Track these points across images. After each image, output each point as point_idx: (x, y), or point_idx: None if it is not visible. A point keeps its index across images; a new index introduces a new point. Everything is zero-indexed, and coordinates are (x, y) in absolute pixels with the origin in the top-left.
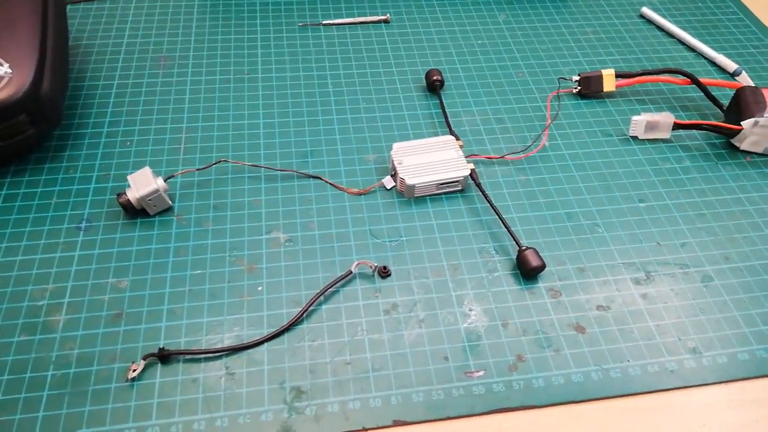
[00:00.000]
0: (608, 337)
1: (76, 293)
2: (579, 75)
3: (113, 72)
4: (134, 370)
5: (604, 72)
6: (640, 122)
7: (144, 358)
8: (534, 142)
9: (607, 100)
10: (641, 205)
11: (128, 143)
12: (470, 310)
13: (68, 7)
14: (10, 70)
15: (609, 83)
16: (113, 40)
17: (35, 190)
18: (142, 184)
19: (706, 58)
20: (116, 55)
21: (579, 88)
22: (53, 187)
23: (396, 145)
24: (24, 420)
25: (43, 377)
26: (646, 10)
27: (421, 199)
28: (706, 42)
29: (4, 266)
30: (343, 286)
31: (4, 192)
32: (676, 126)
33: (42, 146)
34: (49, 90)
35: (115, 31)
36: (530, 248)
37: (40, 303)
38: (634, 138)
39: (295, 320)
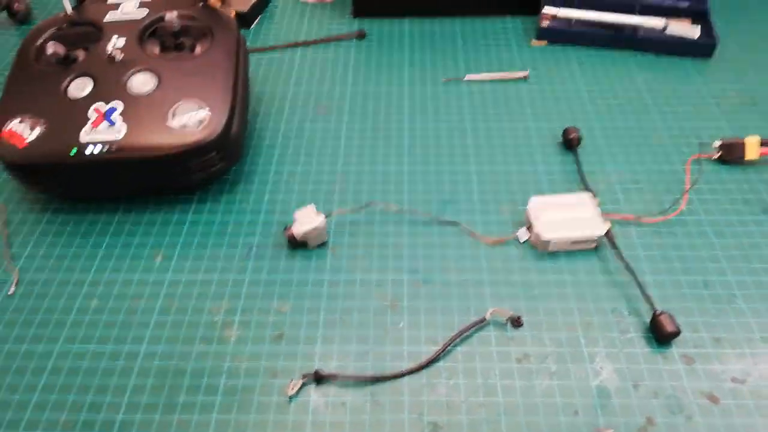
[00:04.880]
0: (743, 411)
1: (246, 313)
2: (720, 140)
3: (280, 116)
4: (293, 388)
5: (748, 140)
6: None
7: (302, 378)
8: (672, 206)
9: (749, 167)
10: None
11: (291, 181)
12: (601, 368)
13: None
14: (210, 113)
15: (752, 151)
16: (281, 87)
17: (214, 218)
18: (306, 220)
19: None
20: (284, 101)
21: (720, 153)
22: (229, 216)
23: (533, 199)
24: (200, 420)
25: (216, 384)
26: None
27: (554, 254)
28: None
29: (189, 283)
30: (477, 331)
31: (189, 217)
32: None
33: (221, 179)
34: (236, 131)
35: (283, 79)
36: (665, 312)
37: (216, 318)
38: None
39: (434, 358)
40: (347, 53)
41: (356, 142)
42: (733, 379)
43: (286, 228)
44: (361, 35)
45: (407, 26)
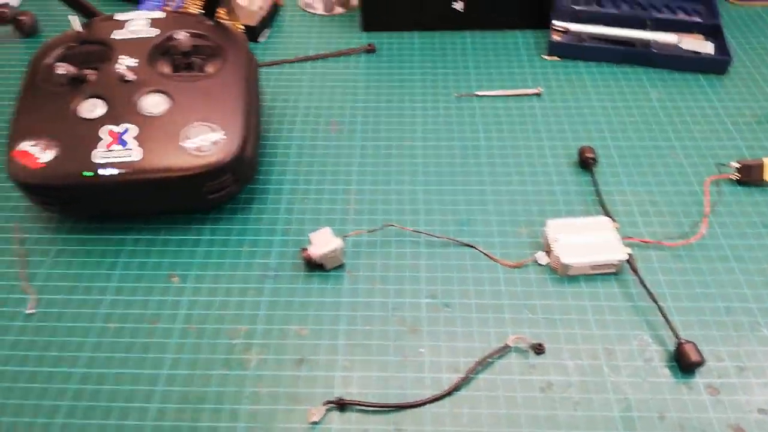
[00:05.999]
0: None
1: (265, 336)
2: (738, 162)
3: (292, 133)
4: (317, 415)
5: (766, 161)
6: None
7: (324, 404)
8: (692, 229)
9: None
10: None
11: (305, 200)
12: (625, 397)
13: None
14: (224, 136)
15: None
16: (291, 102)
17: (230, 237)
18: (323, 242)
19: None
20: (294, 117)
21: (738, 175)
22: (244, 237)
23: (550, 222)
24: None
25: (238, 410)
26: None
27: (574, 278)
28: None
29: (205, 305)
30: (498, 358)
31: (206, 237)
32: None
33: (235, 198)
34: (250, 152)
35: (294, 94)
36: (690, 342)
37: (235, 342)
38: None
39: (456, 386)
40: (357, 67)
41: (369, 160)
42: (760, 411)
43: (303, 249)
44: (370, 49)
45: (417, 40)
